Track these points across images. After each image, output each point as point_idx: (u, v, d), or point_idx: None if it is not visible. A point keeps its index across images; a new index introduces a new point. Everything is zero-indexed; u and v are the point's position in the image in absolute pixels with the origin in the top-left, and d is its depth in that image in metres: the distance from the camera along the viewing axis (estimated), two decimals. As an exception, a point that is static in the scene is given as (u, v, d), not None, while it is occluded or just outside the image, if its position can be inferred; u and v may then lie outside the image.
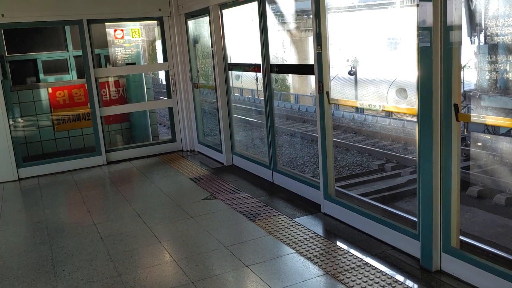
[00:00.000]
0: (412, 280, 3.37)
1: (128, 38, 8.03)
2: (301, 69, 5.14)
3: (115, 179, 6.71)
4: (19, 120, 7.57)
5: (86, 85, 7.31)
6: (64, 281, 3.72)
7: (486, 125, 6.30)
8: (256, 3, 5.50)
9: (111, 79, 8.41)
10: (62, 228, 4.91)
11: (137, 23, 8.04)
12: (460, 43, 3.06)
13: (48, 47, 8.47)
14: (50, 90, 8.07)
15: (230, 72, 6.67)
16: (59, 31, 8.42)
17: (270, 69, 5.58)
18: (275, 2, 5.67)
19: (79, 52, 7.35)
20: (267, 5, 5.42)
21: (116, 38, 7.96)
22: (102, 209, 5.55)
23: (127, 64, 8.08)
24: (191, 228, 4.65)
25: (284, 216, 4.74)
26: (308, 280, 3.46)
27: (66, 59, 8.60)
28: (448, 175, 3.24)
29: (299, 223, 4.52)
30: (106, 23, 7.78)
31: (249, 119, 12.10)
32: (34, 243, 4.56)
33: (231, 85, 6.99)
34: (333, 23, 4.51)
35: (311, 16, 4.34)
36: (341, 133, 10.76)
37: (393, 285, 3.28)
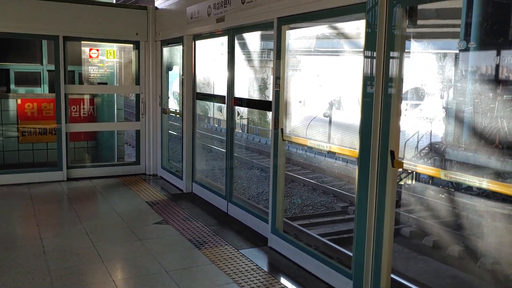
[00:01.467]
0: (342, 318, 3.44)
1: (103, 58, 8.14)
2: (261, 105, 5.30)
3: (71, 196, 6.68)
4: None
5: (56, 99, 7.35)
6: (-4, 292, 3.68)
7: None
8: (226, 37, 5.71)
9: (83, 97, 8.46)
10: (7, 239, 4.86)
11: (114, 44, 8.16)
12: (400, 93, 3.26)
13: (23, 59, 8.51)
14: (19, 101, 8.06)
15: (197, 101, 6.81)
16: (36, 44, 8.49)
17: (234, 102, 5.74)
18: (243, 38, 5.86)
19: (53, 67, 7.41)
20: (236, 41, 5.62)
21: (90, 57, 8.06)
22: (52, 224, 5.50)
23: (99, 83, 8.16)
24: (137, 250, 4.65)
25: (231, 246, 4.79)
26: (240, 310, 3.50)
27: (40, 72, 8.64)
28: (381, 218, 3.38)
29: (243, 255, 4.57)
30: (82, 41, 7.87)
31: (214, 147, 12.24)
32: (-25, 252, 4.50)
33: (198, 113, 7.13)
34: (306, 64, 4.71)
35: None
36: (310, 172, 10.92)
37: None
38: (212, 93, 6.73)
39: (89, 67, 8.11)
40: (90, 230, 5.18)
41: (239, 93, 5.95)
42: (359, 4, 3.44)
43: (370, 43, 3.34)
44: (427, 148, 10.55)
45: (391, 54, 3.23)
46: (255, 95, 15.21)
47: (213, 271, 4.18)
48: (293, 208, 8.56)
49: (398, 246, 6.69)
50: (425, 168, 3.30)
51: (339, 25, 7.49)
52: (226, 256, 4.52)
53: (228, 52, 5.73)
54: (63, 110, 7.27)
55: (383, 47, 3.26)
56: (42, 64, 8.62)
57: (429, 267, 6.36)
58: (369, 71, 3.36)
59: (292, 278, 4.08)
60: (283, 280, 4.05)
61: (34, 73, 8.61)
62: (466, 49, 7.91)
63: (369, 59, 3.35)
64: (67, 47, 7.27)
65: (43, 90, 8.65)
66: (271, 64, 11.49)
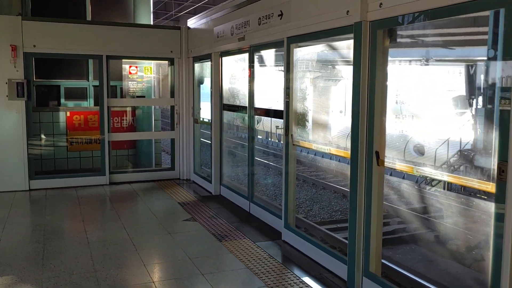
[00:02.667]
0: (337, 298, 3.97)
1: (141, 74, 8.98)
2: (275, 114, 5.88)
3: (112, 197, 7.48)
4: (41, 137, 8.48)
5: (99, 112, 8.22)
6: (49, 271, 4.43)
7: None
8: (247, 54, 6.37)
9: (124, 109, 9.33)
10: (57, 232, 5.66)
11: (151, 61, 8.99)
12: (383, 100, 3.79)
13: (72, 76, 9.47)
14: (68, 113, 9.00)
15: (224, 111, 7.49)
16: (83, 63, 9.44)
17: (254, 112, 6.37)
18: (261, 55, 6.49)
19: (98, 83, 8.30)
20: (255, 57, 6.27)
21: (130, 73, 8.91)
22: (95, 220, 6.29)
23: (137, 96, 9.00)
24: (166, 242, 5.34)
25: (249, 240, 5.40)
26: (249, 289, 4.10)
27: (86, 87, 9.58)
28: (369, 211, 3.90)
29: (259, 246, 5.16)
30: (123, 59, 8.74)
31: (238, 153, 12.88)
32: (31, 241, 5.31)
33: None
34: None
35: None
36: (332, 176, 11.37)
37: (319, 300, 3.89)
38: (239, 104, 7.36)
39: (129, 82, 8.96)
40: (128, 225, 5.92)
41: (261, 104, 6.57)
42: (348, 26, 4.01)
43: (356, 59, 3.90)
44: (456, 156, 10.82)
45: (375, 67, 3.78)
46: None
47: (231, 259, 4.80)
48: (319, 213, 9.07)
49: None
50: (401, 166, 3.79)
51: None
52: (243, 247, 5.13)
53: (249, 66, 6.38)
54: (106, 121, 8.13)
55: (368, 61, 3.81)
56: (88, 80, 9.55)
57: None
58: (356, 82, 3.90)
59: (298, 265, 4.63)
60: (290, 267, 4.61)
61: (81, 88, 9.56)
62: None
63: (357, 72, 3.90)
64: (109, 65, 8.14)
65: (89, 103, 9.57)
66: (307, 75, 12.14)
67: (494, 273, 2.82)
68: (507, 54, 2.71)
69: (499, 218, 2.76)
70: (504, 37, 2.73)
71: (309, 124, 10.02)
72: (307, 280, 4.28)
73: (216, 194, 7.59)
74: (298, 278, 4.33)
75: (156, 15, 29.30)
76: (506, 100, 2.71)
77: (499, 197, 2.77)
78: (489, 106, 7.78)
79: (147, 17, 10.18)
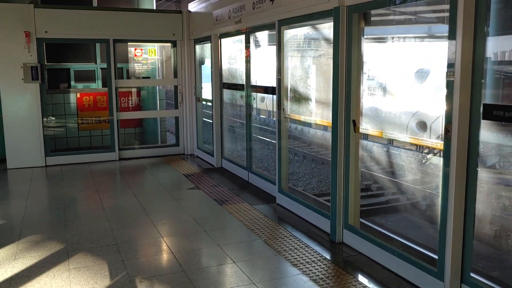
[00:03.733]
0: (322, 248, 4.59)
1: (146, 56, 9.53)
2: (269, 90, 6.45)
3: (122, 171, 8.13)
4: (51, 118, 9.08)
5: (108, 93, 8.81)
6: (72, 230, 5.08)
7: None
8: (244, 36, 6.91)
9: (130, 90, 9.91)
10: (75, 200, 6.33)
11: (155, 44, 9.54)
12: (359, 76, 4.35)
13: (80, 59, 10.03)
14: (78, 95, 9.61)
15: (223, 89, 8.06)
16: (91, 47, 9.98)
17: (250, 89, 6.94)
18: (257, 36, 6.97)
19: (105, 65, 8.87)
20: (250, 38, 6.81)
21: (135, 55, 9.46)
22: (108, 190, 6.95)
23: (143, 77, 9.57)
24: (173, 206, 5.99)
25: (247, 203, 6.03)
26: (246, 241, 4.73)
27: (94, 70, 10.13)
28: (347, 171, 4.50)
29: (256, 209, 5.80)
30: (128, 43, 9.29)
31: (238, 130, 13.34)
32: (53, 208, 5.97)
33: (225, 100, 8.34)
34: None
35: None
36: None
37: (308, 251, 4.51)
38: (237, 83, 7.91)
39: (135, 64, 9.52)
40: (138, 193, 6.56)
41: (258, 81, 7.13)
42: (328, 10, 4.55)
43: (336, 39, 4.45)
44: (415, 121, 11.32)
45: (351, 46, 4.33)
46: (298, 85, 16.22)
47: (230, 219, 5.43)
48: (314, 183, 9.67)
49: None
50: (373, 131, 4.36)
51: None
52: (242, 210, 5.76)
53: (246, 47, 6.93)
54: (114, 101, 8.72)
55: (345, 41, 4.37)
56: (96, 63, 10.10)
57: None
58: (336, 62, 4.46)
59: (289, 223, 5.26)
60: (282, 224, 5.24)
61: (89, 71, 10.11)
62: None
63: (336, 51, 4.46)
64: (116, 48, 8.70)
65: (97, 85, 10.13)
66: (311, 53, 12.59)
67: (442, 213, 3.42)
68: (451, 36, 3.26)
69: (446, 165, 3.35)
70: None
71: (299, 99, 10.57)
72: (297, 234, 4.91)
73: (218, 167, 8.21)
74: (289, 232, 4.96)
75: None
76: (450, 72, 3.27)
77: (446, 152, 3.36)
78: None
79: (150, 1, 10.67)
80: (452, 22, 3.23)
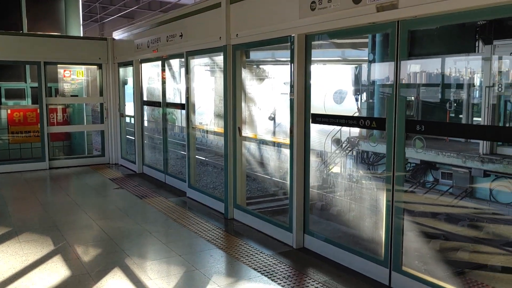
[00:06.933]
0: (219, 223, 6.14)
1: (74, 76, 10.73)
2: (180, 106, 7.98)
3: (54, 177, 9.24)
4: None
5: (38, 109, 9.87)
6: (15, 219, 6.25)
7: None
8: (160, 62, 8.43)
9: (59, 107, 10.99)
10: (15, 198, 7.44)
11: (82, 66, 10.75)
12: (240, 94, 6.01)
13: (11, 79, 10.99)
14: (9, 111, 10.54)
15: (145, 106, 9.48)
16: (21, 67, 10.98)
17: (167, 106, 8.45)
18: (170, 63, 8.53)
19: (35, 84, 9.93)
20: (166, 64, 8.34)
21: (64, 76, 10.62)
22: (43, 191, 8.08)
23: (71, 95, 10.73)
24: (101, 201, 7.30)
25: (163, 197, 7.47)
26: (161, 220, 6.19)
27: (24, 88, 11.13)
28: (235, 164, 6.13)
29: (169, 201, 7.26)
30: (58, 65, 10.44)
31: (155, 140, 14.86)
32: (-4, 205, 7.07)
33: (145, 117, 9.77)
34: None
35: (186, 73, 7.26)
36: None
37: (207, 225, 6.04)
38: (155, 100, 9.38)
39: (64, 84, 10.67)
40: (69, 193, 7.78)
41: (172, 99, 8.65)
42: (221, 47, 6.20)
43: (225, 68, 6.10)
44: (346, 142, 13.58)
45: (235, 74, 6.00)
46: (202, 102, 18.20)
47: (148, 208, 6.85)
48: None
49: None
50: (251, 135, 6.03)
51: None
52: (158, 202, 7.20)
53: (162, 70, 8.43)
54: (45, 116, 9.82)
55: (231, 70, 6.03)
56: (26, 82, 11.10)
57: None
58: (225, 84, 6.11)
59: (196, 210, 6.77)
60: (192, 211, 6.74)
61: (20, 89, 11.09)
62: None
63: (225, 77, 6.10)
64: (47, 69, 9.83)
65: (27, 102, 11.12)
66: (212, 77, 14.54)
67: (290, 187, 5.12)
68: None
69: (292, 154, 5.06)
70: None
71: (204, 112, 12.47)
72: (200, 216, 6.44)
73: (140, 172, 9.57)
74: (194, 214, 6.48)
75: (83, 17, 30.23)
76: (292, 93, 5.01)
77: (291, 145, 5.07)
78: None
79: (77, 27, 11.87)
80: (292, 60, 4.97)
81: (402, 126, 3.91)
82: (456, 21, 3.88)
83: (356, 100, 12.89)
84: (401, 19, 3.82)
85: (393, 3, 3.80)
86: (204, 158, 12.65)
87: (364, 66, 12.40)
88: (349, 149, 13.02)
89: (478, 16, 3.55)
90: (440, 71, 10.95)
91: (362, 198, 8.10)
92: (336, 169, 11.22)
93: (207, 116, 13.12)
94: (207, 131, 13.47)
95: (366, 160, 11.01)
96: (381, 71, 12.37)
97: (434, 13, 3.57)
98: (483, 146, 8.34)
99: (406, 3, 3.71)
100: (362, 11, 4.07)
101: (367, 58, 11.88)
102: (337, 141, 13.54)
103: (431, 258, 6.19)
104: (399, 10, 3.77)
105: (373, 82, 12.24)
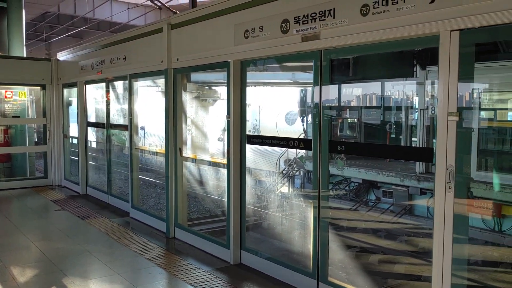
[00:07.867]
0: (160, 242, 6.25)
1: (16, 97, 10.57)
2: (124, 128, 8.08)
3: (-7, 200, 9.03)
4: None
5: (-23, 130, 9.66)
6: (-50, 242, 6.12)
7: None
8: (104, 83, 8.51)
9: (0, 128, 10.75)
10: (-51, 222, 7.23)
11: (25, 87, 10.63)
12: (181, 116, 6.22)
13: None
14: None
15: (89, 127, 9.48)
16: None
17: (111, 127, 8.51)
18: (115, 85, 8.66)
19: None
20: (110, 85, 8.44)
21: (6, 97, 10.46)
22: (-20, 215, 7.90)
23: (13, 116, 10.55)
24: (41, 223, 7.23)
25: (106, 218, 7.49)
26: (102, 240, 6.22)
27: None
28: (176, 183, 6.29)
29: (112, 221, 7.29)
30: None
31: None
32: None
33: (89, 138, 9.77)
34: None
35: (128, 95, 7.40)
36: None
37: (148, 244, 6.13)
38: (100, 122, 9.41)
39: (5, 104, 10.49)
40: (8, 215, 7.65)
41: (116, 121, 8.72)
42: (162, 70, 6.40)
43: (166, 90, 6.30)
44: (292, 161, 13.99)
45: (177, 96, 6.21)
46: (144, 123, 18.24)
47: (89, 229, 6.86)
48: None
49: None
50: (190, 155, 6.24)
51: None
52: (100, 222, 7.21)
53: (106, 92, 8.52)
54: (-15, 137, 9.61)
55: (172, 92, 6.24)
56: (-36, 102, 10.84)
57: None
58: (166, 106, 6.30)
59: (138, 230, 6.85)
60: (134, 230, 6.80)
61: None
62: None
63: (167, 99, 6.30)
64: (-13, 90, 9.67)
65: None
66: (155, 99, 14.76)
67: (228, 205, 5.34)
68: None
69: (228, 174, 5.30)
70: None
71: (147, 133, 12.62)
72: (142, 235, 6.52)
73: (83, 193, 9.50)
74: (136, 235, 6.55)
75: (27, 36, 29.56)
76: (229, 115, 5.27)
77: (227, 165, 5.31)
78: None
79: (20, 47, 11.72)
80: (228, 84, 5.25)
81: (325, 146, 4.24)
82: (368, 51, 4.29)
83: (302, 121, 13.41)
84: (323, 48, 4.19)
85: (315, 34, 4.16)
86: (153, 180, 12.75)
87: (309, 89, 12.96)
88: (296, 169, 13.50)
89: (386, 48, 3.96)
90: (381, 94, 11.63)
91: (293, 215, 8.43)
92: (284, 189, 11.59)
93: (157, 138, 13.36)
94: (157, 152, 13.67)
95: (311, 180, 11.43)
96: (324, 94, 12.98)
97: (350, 44, 3.96)
98: (419, 165, 8.89)
99: (327, 34, 4.08)
100: (290, 40, 4.42)
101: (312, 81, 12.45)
102: (287, 162, 14.07)
103: (355, 269, 6.56)
104: (321, 41, 4.14)
105: (317, 104, 12.81)
